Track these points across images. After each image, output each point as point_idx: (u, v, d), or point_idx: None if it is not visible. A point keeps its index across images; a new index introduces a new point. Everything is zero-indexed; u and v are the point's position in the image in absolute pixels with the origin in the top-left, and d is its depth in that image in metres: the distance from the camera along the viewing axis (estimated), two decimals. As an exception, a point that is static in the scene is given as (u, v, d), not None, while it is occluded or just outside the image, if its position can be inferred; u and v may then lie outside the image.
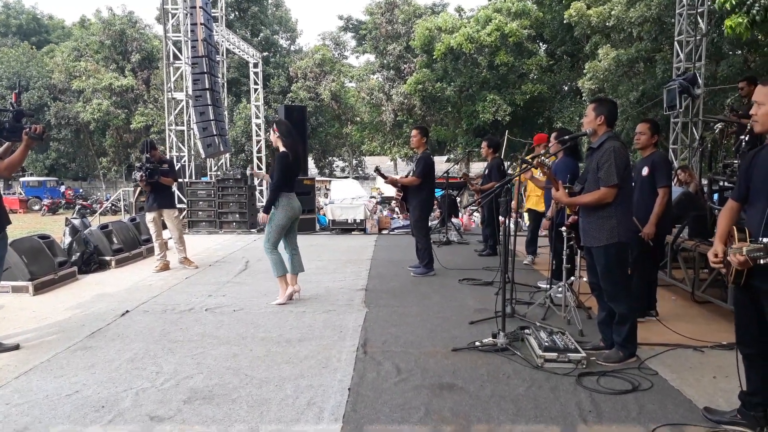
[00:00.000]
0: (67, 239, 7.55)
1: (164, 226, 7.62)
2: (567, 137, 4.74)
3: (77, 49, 35.04)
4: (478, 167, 31.14)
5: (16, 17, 45.26)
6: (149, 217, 7.37)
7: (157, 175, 7.22)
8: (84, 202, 26.50)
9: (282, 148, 5.47)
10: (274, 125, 5.63)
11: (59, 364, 3.95)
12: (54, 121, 33.60)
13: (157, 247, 7.45)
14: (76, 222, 7.93)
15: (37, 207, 29.09)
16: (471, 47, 22.07)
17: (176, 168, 8.46)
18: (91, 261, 7.46)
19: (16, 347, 4.28)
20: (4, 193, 33.60)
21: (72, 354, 4.16)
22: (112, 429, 2.99)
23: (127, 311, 5.33)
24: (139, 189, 7.88)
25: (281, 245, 5.66)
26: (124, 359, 4.02)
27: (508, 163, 10.69)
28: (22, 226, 19.95)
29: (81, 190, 36.22)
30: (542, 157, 4.11)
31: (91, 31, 35.14)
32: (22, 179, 34.96)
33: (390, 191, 22.08)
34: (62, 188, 33.26)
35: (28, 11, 46.94)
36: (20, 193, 31.33)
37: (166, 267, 7.44)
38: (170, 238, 7.83)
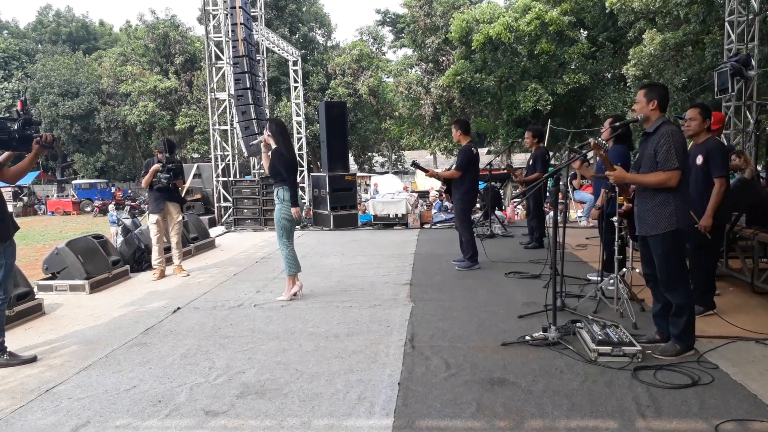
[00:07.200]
0: (119, 239, 7.78)
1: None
2: (618, 123, 4.61)
3: (123, 54, 36.11)
4: (519, 158, 30.72)
5: (66, 25, 46.97)
6: (153, 219, 6.96)
7: (181, 176, 7.15)
8: (133, 203, 27.29)
9: (274, 145, 5.56)
10: (267, 124, 5.75)
11: (116, 359, 4.07)
12: (103, 125, 34.77)
13: (156, 252, 7.02)
14: (128, 222, 8.16)
15: (88, 208, 30.19)
16: (510, 36, 21.71)
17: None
18: (141, 260, 7.68)
19: (33, 359, 4.10)
20: (58, 196, 35.13)
21: (128, 350, 4.28)
22: (169, 423, 3.06)
23: (179, 308, 5.46)
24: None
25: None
26: (178, 355, 4.12)
27: (552, 153, 10.46)
28: (75, 227, 20.76)
29: (129, 191, 37.47)
30: (600, 139, 3.97)
31: (136, 35, 36.13)
32: (74, 182, 36.41)
33: (427, 185, 22.01)
34: (112, 189, 34.47)
35: (78, 19, 48.61)
36: (73, 196, 32.58)
37: (162, 275, 7.04)
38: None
